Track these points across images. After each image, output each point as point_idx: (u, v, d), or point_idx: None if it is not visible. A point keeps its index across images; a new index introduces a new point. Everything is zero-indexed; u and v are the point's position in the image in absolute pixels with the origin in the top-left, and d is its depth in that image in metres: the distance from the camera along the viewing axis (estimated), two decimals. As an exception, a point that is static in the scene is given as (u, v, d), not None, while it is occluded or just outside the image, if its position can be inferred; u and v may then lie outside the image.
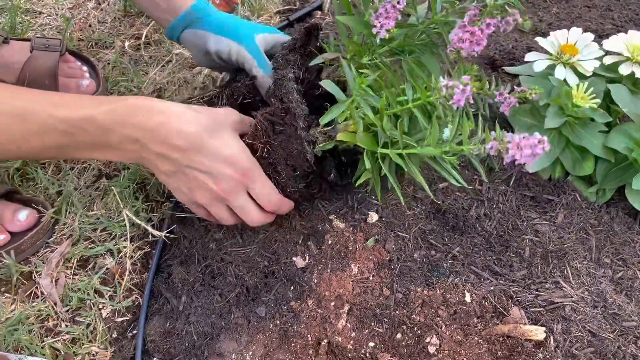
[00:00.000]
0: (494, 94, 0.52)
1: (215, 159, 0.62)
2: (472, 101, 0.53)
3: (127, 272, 0.74)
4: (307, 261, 0.73)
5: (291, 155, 0.66)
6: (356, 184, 0.65)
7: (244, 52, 0.76)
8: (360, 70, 0.65)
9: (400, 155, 0.59)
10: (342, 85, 0.67)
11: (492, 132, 0.50)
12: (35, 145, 0.55)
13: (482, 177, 0.59)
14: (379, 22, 0.59)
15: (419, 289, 0.69)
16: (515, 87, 0.52)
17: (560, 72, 0.72)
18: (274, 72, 0.70)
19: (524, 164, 0.49)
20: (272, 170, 0.67)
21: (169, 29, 0.81)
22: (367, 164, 0.61)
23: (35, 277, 0.74)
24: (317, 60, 0.71)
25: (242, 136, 0.67)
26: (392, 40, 0.66)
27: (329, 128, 0.67)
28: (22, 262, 0.76)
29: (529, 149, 0.47)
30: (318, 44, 0.76)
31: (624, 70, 0.72)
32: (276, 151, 0.66)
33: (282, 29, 1.14)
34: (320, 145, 0.65)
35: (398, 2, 0.58)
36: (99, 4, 1.21)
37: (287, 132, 0.65)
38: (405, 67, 0.64)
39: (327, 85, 0.62)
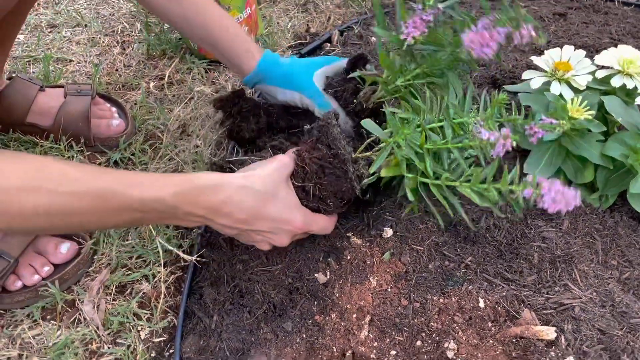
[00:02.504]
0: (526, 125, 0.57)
1: (274, 222, 0.69)
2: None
3: (162, 296, 0.80)
4: (328, 277, 0.78)
5: (340, 190, 0.72)
6: (405, 212, 0.76)
7: (305, 98, 0.88)
8: (395, 95, 0.73)
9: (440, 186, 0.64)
10: (379, 108, 0.76)
11: (529, 177, 0.54)
12: (112, 220, 0.62)
13: (517, 213, 0.64)
14: (408, 31, 0.67)
15: (435, 298, 0.73)
16: (540, 117, 0.56)
17: (556, 88, 0.77)
18: (318, 120, 0.75)
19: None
20: (322, 202, 0.74)
21: (243, 82, 0.93)
22: (412, 197, 0.67)
23: (78, 304, 0.80)
24: (355, 74, 0.83)
25: (294, 174, 0.73)
26: (423, 62, 0.73)
27: (369, 153, 0.73)
28: (65, 291, 0.82)
29: (562, 203, 0.51)
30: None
31: (615, 82, 0.77)
32: (326, 189, 0.72)
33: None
34: (366, 180, 0.70)
35: (426, 16, 0.66)
36: (124, 49, 1.30)
37: (336, 174, 0.71)
38: (436, 96, 0.70)
39: (367, 125, 0.68)
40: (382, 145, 0.68)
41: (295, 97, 0.90)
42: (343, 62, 0.91)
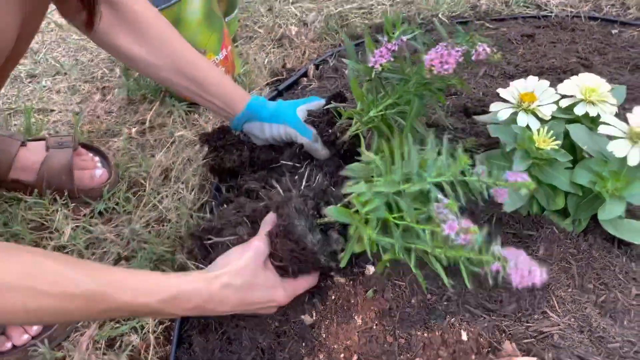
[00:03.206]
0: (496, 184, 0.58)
1: (259, 304, 0.73)
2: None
3: (151, 347, 0.81)
4: (314, 318, 0.79)
5: (316, 268, 0.76)
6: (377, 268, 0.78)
7: (289, 128, 0.93)
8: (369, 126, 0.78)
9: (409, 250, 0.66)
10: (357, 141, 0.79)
11: (496, 248, 0.55)
12: (98, 317, 0.66)
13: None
14: (375, 59, 0.73)
15: (419, 333, 0.74)
16: (507, 174, 0.57)
17: (522, 119, 0.80)
18: (280, 213, 0.76)
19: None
20: (302, 273, 0.76)
21: (232, 124, 0.98)
22: (380, 269, 0.71)
23: (68, 360, 0.81)
24: (331, 106, 0.91)
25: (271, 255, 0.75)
26: (392, 92, 0.77)
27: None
28: (55, 349, 0.82)
29: (528, 278, 0.53)
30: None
31: (579, 110, 0.79)
32: (301, 269, 0.75)
33: (272, 99, 1.24)
34: (342, 259, 0.72)
35: (391, 46, 0.73)
36: (105, 95, 1.32)
37: (309, 261, 0.73)
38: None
39: (332, 214, 0.69)
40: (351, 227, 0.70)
41: (280, 130, 0.94)
42: (323, 101, 0.97)
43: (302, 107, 0.96)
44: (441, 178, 0.59)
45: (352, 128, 0.87)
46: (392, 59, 0.73)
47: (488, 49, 0.68)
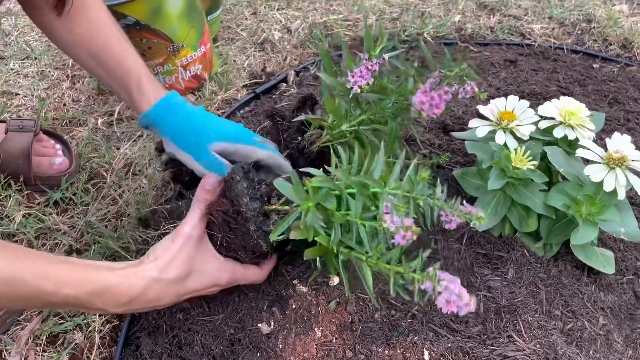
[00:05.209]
0: (443, 208, 0.55)
1: (200, 290, 0.70)
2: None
3: (95, 347, 0.75)
4: (272, 327, 0.75)
5: (248, 244, 0.70)
6: (310, 279, 0.76)
7: (197, 165, 0.80)
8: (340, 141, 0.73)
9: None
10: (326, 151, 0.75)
11: (430, 269, 0.52)
12: (20, 305, 0.61)
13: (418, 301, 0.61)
14: (354, 80, 0.68)
15: (380, 349, 0.71)
16: (463, 204, 0.54)
17: (500, 138, 0.78)
18: (228, 174, 0.71)
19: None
20: (234, 254, 0.72)
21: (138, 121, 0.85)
22: (319, 265, 0.66)
23: (5, 355, 0.75)
24: (299, 118, 0.83)
25: (209, 223, 0.71)
26: (368, 109, 0.73)
27: (288, 207, 0.71)
28: (-9, 341, 0.77)
29: (454, 305, 0.49)
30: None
31: (557, 133, 0.78)
32: (235, 242, 0.71)
33: (249, 101, 1.21)
34: (278, 238, 0.68)
35: (372, 65, 0.67)
36: (74, 84, 1.27)
37: (240, 230, 0.69)
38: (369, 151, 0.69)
39: (280, 186, 0.65)
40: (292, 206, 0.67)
41: (186, 160, 0.82)
42: (243, 149, 0.81)
43: (222, 147, 0.80)
44: (395, 190, 0.56)
45: (321, 140, 0.82)
46: (371, 79, 0.68)
47: (476, 88, 0.64)
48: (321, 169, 0.64)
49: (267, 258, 0.76)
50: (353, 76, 0.68)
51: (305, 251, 0.65)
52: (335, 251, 0.62)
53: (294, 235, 0.65)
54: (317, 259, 0.66)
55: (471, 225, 0.52)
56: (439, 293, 0.50)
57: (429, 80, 0.64)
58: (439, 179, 0.59)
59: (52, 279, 0.58)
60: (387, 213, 0.53)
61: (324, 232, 0.61)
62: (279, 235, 0.66)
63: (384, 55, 0.69)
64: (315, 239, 0.62)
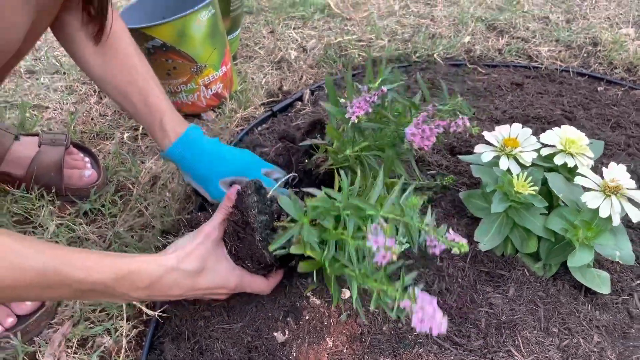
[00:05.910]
0: (425, 240, 0.59)
1: (208, 289, 0.75)
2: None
3: (123, 350, 0.81)
4: (286, 336, 0.81)
5: (254, 254, 0.76)
6: (305, 292, 0.82)
7: (207, 195, 0.97)
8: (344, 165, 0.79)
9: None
10: (332, 174, 0.80)
11: (410, 289, 0.57)
12: (51, 294, 0.65)
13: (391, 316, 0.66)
14: (352, 110, 0.73)
15: (387, 360, 0.76)
16: (448, 231, 0.58)
17: (504, 163, 0.84)
18: (243, 187, 0.79)
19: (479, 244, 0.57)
20: (242, 262, 0.78)
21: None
22: (316, 279, 0.72)
23: (39, 357, 0.81)
24: (306, 143, 0.90)
25: (225, 231, 0.78)
26: (370, 136, 0.79)
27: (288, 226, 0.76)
28: (27, 343, 0.83)
29: (427, 324, 0.54)
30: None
31: (558, 160, 0.83)
32: (242, 251, 0.77)
33: (266, 118, 1.27)
34: (277, 252, 0.73)
35: (370, 97, 0.72)
36: (101, 98, 1.34)
37: (248, 239, 0.75)
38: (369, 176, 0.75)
39: (283, 203, 0.71)
40: (292, 224, 0.71)
41: (202, 193, 0.97)
42: (244, 180, 0.93)
43: (232, 180, 0.95)
44: (388, 213, 0.62)
45: (326, 163, 0.89)
46: (370, 110, 0.73)
47: (467, 123, 0.69)
48: (322, 190, 0.70)
49: (272, 271, 0.82)
50: (352, 107, 0.74)
51: (299, 264, 0.71)
52: (326, 266, 0.67)
53: (294, 250, 0.71)
54: (314, 273, 0.72)
55: (457, 251, 0.57)
56: (415, 312, 0.55)
57: (421, 114, 0.69)
58: (429, 206, 0.64)
59: (80, 267, 0.63)
60: (371, 234, 0.57)
61: (317, 247, 0.67)
62: (279, 249, 0.72)
63: (382, 87, 0.74)
64: (308, 253, 0.68)
